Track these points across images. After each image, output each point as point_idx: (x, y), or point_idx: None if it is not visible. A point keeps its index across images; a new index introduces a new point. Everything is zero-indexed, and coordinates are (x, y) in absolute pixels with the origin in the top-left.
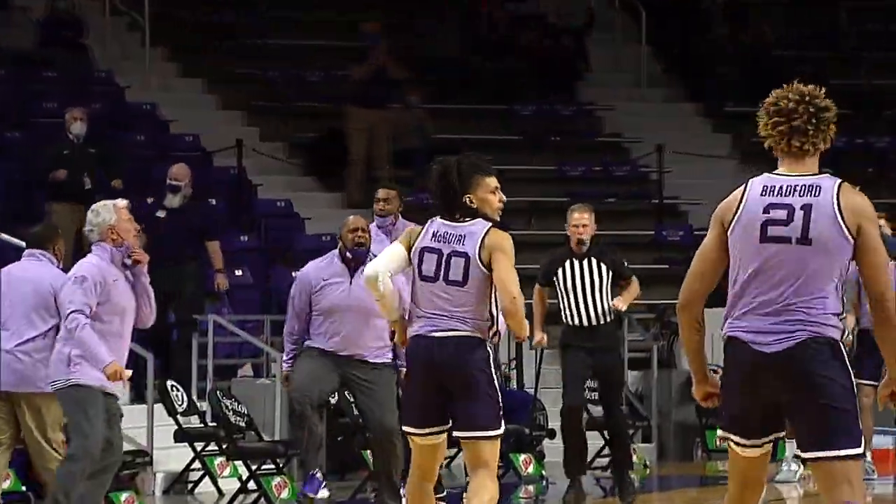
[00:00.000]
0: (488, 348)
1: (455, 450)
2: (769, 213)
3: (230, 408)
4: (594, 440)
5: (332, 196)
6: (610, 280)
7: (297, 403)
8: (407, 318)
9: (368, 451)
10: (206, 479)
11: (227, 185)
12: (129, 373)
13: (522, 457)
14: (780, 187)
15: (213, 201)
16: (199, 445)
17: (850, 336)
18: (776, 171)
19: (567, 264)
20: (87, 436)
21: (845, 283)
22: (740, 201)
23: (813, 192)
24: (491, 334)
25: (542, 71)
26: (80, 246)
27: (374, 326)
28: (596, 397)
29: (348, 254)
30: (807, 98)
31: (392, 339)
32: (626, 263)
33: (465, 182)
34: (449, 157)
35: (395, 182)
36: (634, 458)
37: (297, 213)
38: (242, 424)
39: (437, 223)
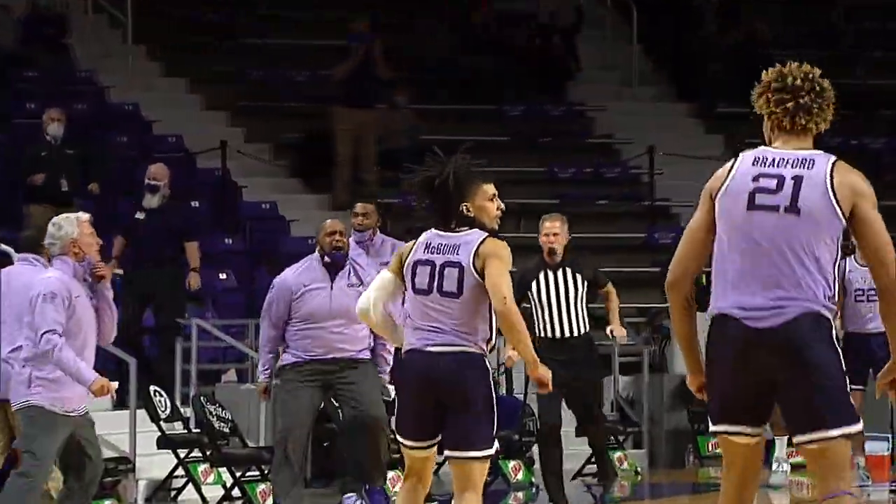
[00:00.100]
0: (487, 364)
1: (444, 457)
2: (758, 181)
3: (214, 413)
4: (581, 446)
5: (318, 198)
6: (585, 289)
7: (281, 444)
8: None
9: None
10: (190, 486)
11: (211, 187)
12: (115, 385)
13: (512, 463)
14: (773, 159)
15: (197, 203)
16: (182, 452)
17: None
18: (770, 147)
19: (541, 276)
20: (38, 459)
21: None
22: (729, 171)
23: (806, 165)
24: (488, 348)
25: (531, 70)
26: None
27: (354, 329)
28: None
29: (327, 258)
30: (811, 76)
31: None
32: (599, 269)
33: (462, 190)
34: (441, 161)
35: (381, 185)
36: (626, 464)
37: (283, 216)
38: (227, 430)
39: (431, 234)
